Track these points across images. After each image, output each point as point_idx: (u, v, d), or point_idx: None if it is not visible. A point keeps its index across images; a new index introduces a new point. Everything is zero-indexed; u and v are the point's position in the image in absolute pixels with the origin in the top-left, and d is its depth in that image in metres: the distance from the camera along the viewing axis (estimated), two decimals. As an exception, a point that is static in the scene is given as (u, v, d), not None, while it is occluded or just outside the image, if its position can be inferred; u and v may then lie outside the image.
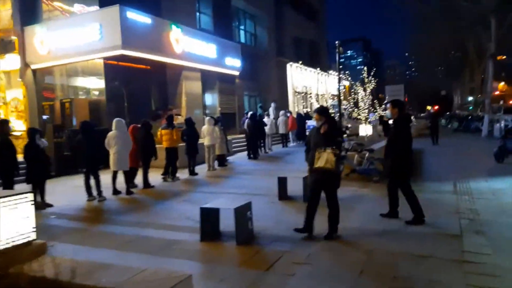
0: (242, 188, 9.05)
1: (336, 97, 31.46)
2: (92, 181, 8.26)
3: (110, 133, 8.70)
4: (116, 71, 15.31)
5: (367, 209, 6.87)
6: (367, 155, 8.97)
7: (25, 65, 15.06)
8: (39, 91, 15.50)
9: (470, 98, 39.32)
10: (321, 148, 4.90)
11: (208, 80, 19.48)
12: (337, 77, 10.59)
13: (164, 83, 17.28)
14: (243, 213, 5.09)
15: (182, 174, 11.26)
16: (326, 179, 5.03)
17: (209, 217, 5.18)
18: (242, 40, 24.13)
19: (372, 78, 14.28)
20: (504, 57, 29.19)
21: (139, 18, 13.86)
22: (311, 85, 31.44)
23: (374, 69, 14.94)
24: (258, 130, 14.25)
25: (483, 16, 21.97)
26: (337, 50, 10.32)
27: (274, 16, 26.73)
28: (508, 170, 9.76)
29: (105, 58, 14.24)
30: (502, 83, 36.34)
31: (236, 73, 20.31)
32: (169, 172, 10.44)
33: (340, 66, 12.22)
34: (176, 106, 16.88)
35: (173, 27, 15.43)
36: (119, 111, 14.83)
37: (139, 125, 9.60)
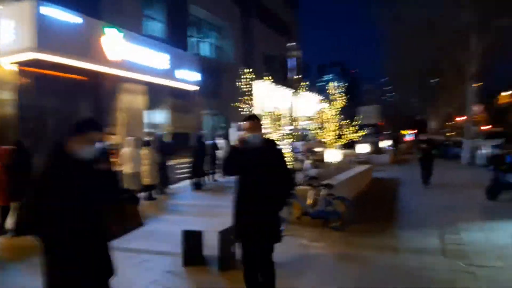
0: (149, 238, 6.45)
1: (311, 119, 29.62)
2: None
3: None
4: (41, 80, 12.58)
5: (314, 284, 4.42)
6: (322, 191, 6.59)
7: None
8: None
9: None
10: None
11: (157, 95, 16.98)
12: (290, 89, 8.28)
13: (98, 97, 14.67)
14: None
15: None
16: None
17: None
18: (204, 53, 21.90)
19: (340, 94, 12.14)
20: (481, 83, 27.87)
21: (61, 16, 11.37)
22: (282, 105, 29.44)
23: (345, 84, 12.84)
24: (203, 154, 11.79)
25: (461, 34, 20.52)
26: (291, 54, 8.07)
27: (241, 29, 24.74)
28: (506, 212, 7.55)
29: (21, 64, 11.56)
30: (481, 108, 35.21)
31: (194, 88, 17.93)
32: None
33: (303, 81, 10.04)
34: (112, 124, 14.24)
35: (107, 30, 13.02)
36: (42, 129, 12.11)
37: (9, 147, 6.95)
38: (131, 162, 9.48)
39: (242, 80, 10.39)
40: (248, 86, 11.61)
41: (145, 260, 5.30)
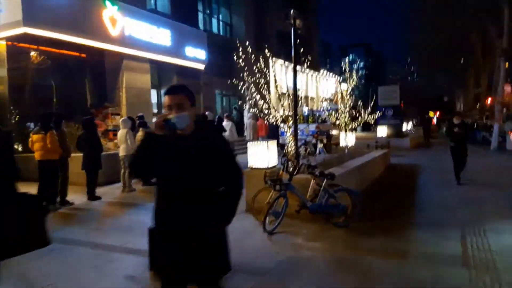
0: (130, 232, 5.77)
1: (331, 100, 28.33)
2: None
3: None
4: (35, 58, 12.02)
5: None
6: (324, 182, 5.70)
7: None
8: None
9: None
10: None
11: (162, 73, 16.30)
12: (293, 66, 7.32)
13: (101, 75, 14.05)
14: None
15: (81, 197, 8.04)
16: None
17: None
18: (215, 30, 20.93)
19: (355, 72, 11.06)
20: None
21: (52, -13, 10.67)
22: (299, 86, 28.38)
23: (358, 60, 11.53)
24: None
25: (491, 5, 18.80)
26: (291, 21, 7.09)
27: (254, 4, 23.51)
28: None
29: (11, 39, 10.93)
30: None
31: (201, 66, 17.13)
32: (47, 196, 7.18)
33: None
34: (115, 104, 13.63)
35: (107, 3, 12.23)
36: (36, 109, 11.55)
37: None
38: (124, 144, 8.80)
39: (239, 55, 9.40)
40: (257, 65, 10.58)
41: (113, 260, 4.61)
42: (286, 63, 25.86)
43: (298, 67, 11.11)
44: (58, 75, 12.85)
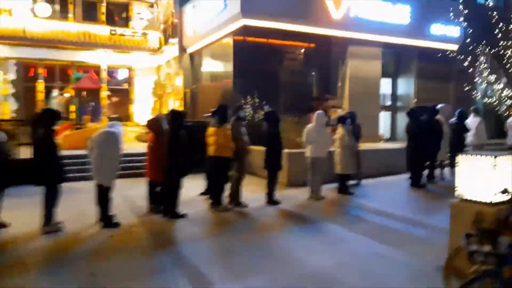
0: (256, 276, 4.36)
1: None
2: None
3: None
4: (256, 49, 11.96)
5: None
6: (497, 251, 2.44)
7: (182, 49, 14.32)
8: (197, 77, 14.50)
9: None
10: None
11: (398, 59, 13.73)
12: None
13: (327, 65, 13.01)
14: None
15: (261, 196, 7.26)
16: None
17: None
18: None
19: None
20: None
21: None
22: None
23: None
24: (425, 137, 8.16)
25: None
26: None
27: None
28: None
29: (235, 33, 11.30)
30: None
31: (453, 47, 13.50)
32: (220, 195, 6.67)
33: None
34: (337, 96, 12.35)
35: (329, -18, 10.99)
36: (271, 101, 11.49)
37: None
38: (314, 143, 7.36)
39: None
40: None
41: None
42: None
43: None
44: (287, 68, 12.60)
